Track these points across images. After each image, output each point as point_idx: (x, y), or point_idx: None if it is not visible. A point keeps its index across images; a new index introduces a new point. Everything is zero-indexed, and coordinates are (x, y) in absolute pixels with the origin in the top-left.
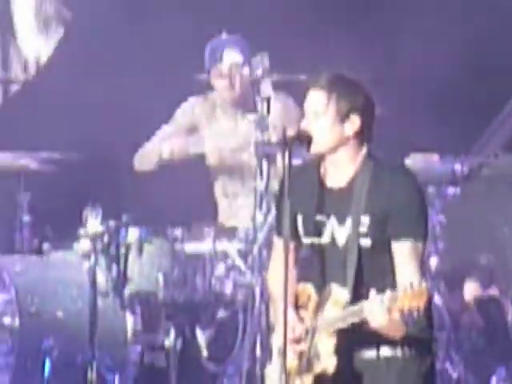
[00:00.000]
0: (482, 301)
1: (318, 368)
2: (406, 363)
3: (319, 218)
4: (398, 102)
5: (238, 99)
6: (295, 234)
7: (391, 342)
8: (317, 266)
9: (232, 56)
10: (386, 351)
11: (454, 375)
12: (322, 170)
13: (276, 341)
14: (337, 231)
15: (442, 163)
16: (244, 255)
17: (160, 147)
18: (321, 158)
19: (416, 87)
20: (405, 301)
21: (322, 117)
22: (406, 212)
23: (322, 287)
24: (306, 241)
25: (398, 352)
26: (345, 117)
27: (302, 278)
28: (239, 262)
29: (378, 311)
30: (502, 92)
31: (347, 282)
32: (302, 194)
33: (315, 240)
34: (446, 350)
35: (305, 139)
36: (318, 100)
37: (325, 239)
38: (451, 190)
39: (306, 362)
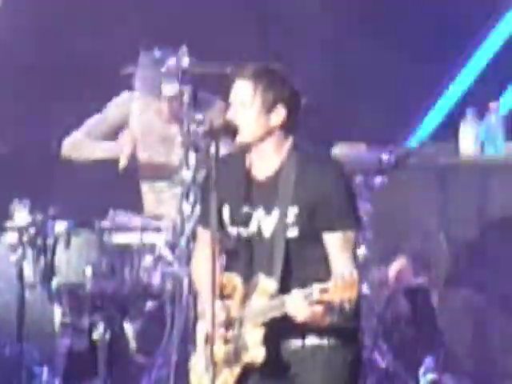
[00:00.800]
0: (409, 289)
1: (246, 358)
2: (331, 352)
3: (246, 208)
4: (324, 91)
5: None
6: (220, 225)
7: (317, 332)
8: (243, 257)
9: (169, 89)
10: (311, 340)
11: (383, 365)
12: (247, 161)
13: (200, 331)
14: (263, 222)
15: (368, 152)
16: (171, 246)
17: (92, 148)
18: (247, 148)
19: (343, 76)
20: (336, 292)
21: (248, 107)
22: (335, 203)
23: (248, 278)
24: (232, 231)
25: (324, 341)
26: (271, 107)
27: (228, 268)
28: (167, 254)
29: (299, 306)
30: (429, 80)
31: (274, 273)
32: (228, 185)
33: (241, 230)
34: (375, 339)
35: (231, 130)
36: (243, 91)
37: (251, 230)
38: (378, 179)
39: (234, 352)
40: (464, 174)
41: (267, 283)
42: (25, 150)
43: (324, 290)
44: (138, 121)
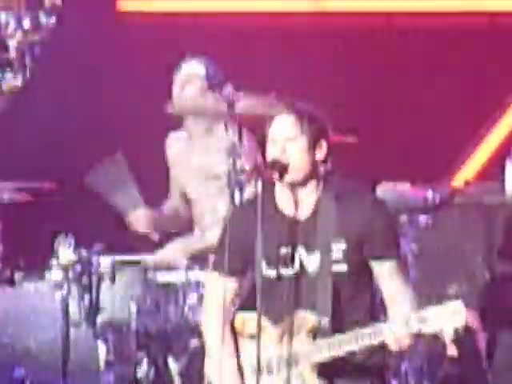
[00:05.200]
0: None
1: None
2: None
3: (285, 248)
4: (368, 130)
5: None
6: (243, 269)
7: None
8: (278, 296)
9: (190, 66)
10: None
11: None
12: (277, 200)
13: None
14: (306, 260)
15: (413, 191)
16: None
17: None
18: (288, 185)
19: (387, 114)
20: (437, 321)
21: (297, 142)
22: (383, 231)
23: (282, 316)
24: (269, 273)
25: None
26: (316, 142)
27: (248, 307)
28: None
29: (399, 334)
30: (476, 118)
31: (321, 309)
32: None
33: (282, 271)
34: (420, 379)
35: (279, 168)
36: (289, 126)
37: (294, 269)
38: (423, 218)
39: None
40: (510, 212)
41: (314, 319)
42: (69, 186)
43: (423, 319)
44: (183, 159)
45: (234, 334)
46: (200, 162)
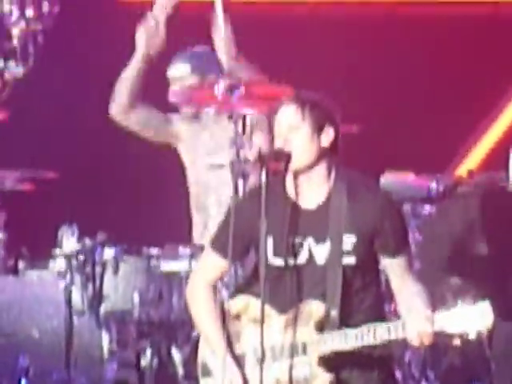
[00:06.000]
0: None
1: None
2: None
3: (295, 238)
4: (372, 119)
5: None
6: (242, 255)
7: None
8: (284, 285)
9: (176, 69)
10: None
11: None
12: (288, 189)
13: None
14: (315, 250)
15: (416, 181)
16: None
17: None
18: (296, 174)
19: (391, 103)
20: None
21: (300, 129)
22: (394, 228)
23: (288, 306)
24: (276, 261)
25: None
26: (320, 127)
27: (255, 295)
28: None
29: (424, 330)
30: (480, 108)
31: (330, 300)
32: (270, 215)
33: (289, 260)
34: (423, 367)
35: (282, 157)
36: (292, 114)
37: (301, 259)
38: (427, 209)
39: (304, 380)
40: None
41: (324, 310)
42: (73, 176)
43: (449, 319)
44: (185, 138)
45: (224, 319)
46: (207, 148)
